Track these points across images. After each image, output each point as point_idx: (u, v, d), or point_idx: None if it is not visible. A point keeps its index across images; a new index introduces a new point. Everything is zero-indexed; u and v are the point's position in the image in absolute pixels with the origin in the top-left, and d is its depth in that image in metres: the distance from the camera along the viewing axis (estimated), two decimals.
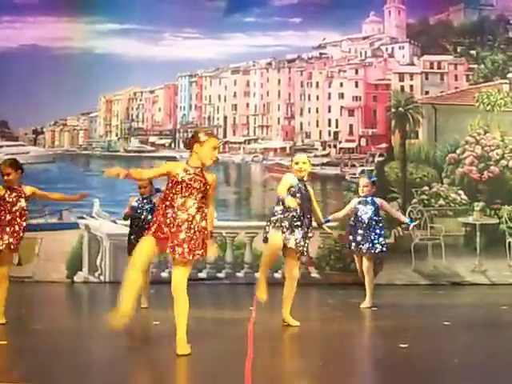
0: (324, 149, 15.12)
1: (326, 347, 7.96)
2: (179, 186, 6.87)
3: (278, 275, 13.68)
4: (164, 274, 13.77)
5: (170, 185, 6.93)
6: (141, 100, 16.04)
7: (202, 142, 6.89)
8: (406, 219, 10.76)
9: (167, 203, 6.89)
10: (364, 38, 15.38)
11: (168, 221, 6.84)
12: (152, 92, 15.99)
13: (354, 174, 14.41)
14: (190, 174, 6.87)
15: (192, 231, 6.84)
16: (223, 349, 7.37)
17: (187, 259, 6.85)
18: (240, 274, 14.16)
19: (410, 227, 10.65)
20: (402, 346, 7.37)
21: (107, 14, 14.87)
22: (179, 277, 6.93)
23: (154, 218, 6.99)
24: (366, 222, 10.25)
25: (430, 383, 5.98)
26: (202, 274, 14.08)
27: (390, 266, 13.56)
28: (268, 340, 8.08)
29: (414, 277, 13.99)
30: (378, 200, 10.47)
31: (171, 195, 6.90)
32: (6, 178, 8.81)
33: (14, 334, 8.27)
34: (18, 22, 15.13)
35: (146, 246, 6.96)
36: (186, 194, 6.85)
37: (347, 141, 15.06)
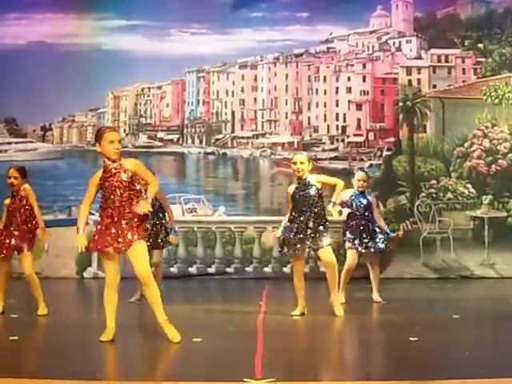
0: (332, 143, 15.12)
1: (336, 340, 7.99)
2: (103, 191, 7.19)
3: (286, 270, 13.76)
4: (173, 269, 13.83)
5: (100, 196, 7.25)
6: (148, 96, 16.05)
7: (99, 140, 7.18)
8: (386, 229, 10.51)
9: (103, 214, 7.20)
10: (371, 32, 15.36)
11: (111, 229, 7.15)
12: (160, 88, 16.01)
13: (362, 168, 14.40)
14: (107, 174, 7.16)
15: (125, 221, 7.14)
16: (233, 342, 7.39)
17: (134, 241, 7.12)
18: (249, 269, 14.17)
19: (390, 236, 10.50)
20: (411, 339, 7.38)
21: (114, 11, 14.88)
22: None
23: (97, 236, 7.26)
24: (363, 215, 10.21)
25: (440, 376, 5.98)
26: (211, 269, 14.11)
27: (398, 260, 13.57)
28: (278, 333, 8.10)
29: (422, 270, 13.99)
30: (370, 198, 10.45)
31: (102, 204, 7.23)
32: (11, 180, 9.00)
33: (24, 329, 8.32)
34: (26, 19, 15.16)
35: (111, 264, 7.22)
36: (110, 193, 7.16)
37: (355, 135, 15.05)
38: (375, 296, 10.31)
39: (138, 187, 7.27)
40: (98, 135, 7.20)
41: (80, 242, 7.29)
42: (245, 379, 5.59)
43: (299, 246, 8.89)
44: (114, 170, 7.17)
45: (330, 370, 6.43)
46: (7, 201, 9.20)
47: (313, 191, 8.85)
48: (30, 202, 9.11)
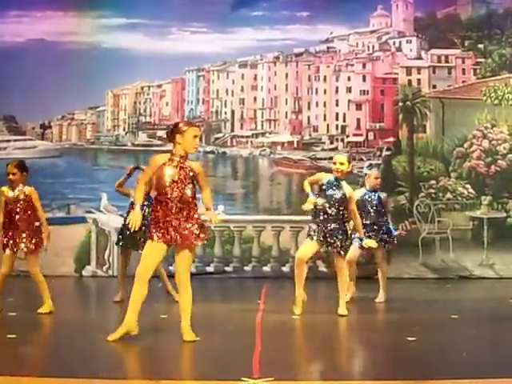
0: (331, 143, 15.11)
1: (335, 339, 7.99)
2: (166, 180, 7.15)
3: (285, 269, 13.77)
4: (171, 268, 13.78)
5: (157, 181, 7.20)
6: (148, 94, 16.03)
7: (183, 131, 7.16)
8: (390, 227, 10.55)
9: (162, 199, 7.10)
10: (371, 32, 15.35)
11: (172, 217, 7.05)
12: (159, 86, 15.99)
13: (362, 167, 14.39)
14: (174, 163, 7.14)
15: (189, 218, 7.14)
16: (231, 341, 7.40)
17: (194, 244, 7.15)
18: (248, 268, 14.17)
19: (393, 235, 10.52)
20: (409, 339, 7.38)
21: (114, 9, 14.87)
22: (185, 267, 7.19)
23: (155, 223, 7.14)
24: (373, 214, 10.24)
25: (438, 376, 5.99)
26: (210, 268, 14.11)
27: (397, 260, 13.56)
28: (276, 332, 8.10)
29: (421, 271, 14.00)
30: (382, 194, 10.47)
31: (164, 190, 7.13)
32: (10, 177, 9.00)
33: (22, 327, 8.31)
34: (26, 17, 15.15)
35: (154, 254, 7.13)
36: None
37: (355, 135, 15.05)
38: (380, 295, 10.30)
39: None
40: (182, 128, 7.22)
41: (136, 220, 7.11)
42: (243, 378, 5.59)
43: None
44: (180, 164, 7.20)
45: (327, 370, 6.43)
46: (4, 188, 9.12)
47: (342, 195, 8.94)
48: (34, 204, 9.11)
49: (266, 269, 14.08)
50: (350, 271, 10.20)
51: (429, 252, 14.08)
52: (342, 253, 9.03)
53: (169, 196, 7.14)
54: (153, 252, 7.22)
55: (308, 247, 9.07)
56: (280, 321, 8.71)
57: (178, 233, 7.12)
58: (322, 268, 13.90)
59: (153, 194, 9.62)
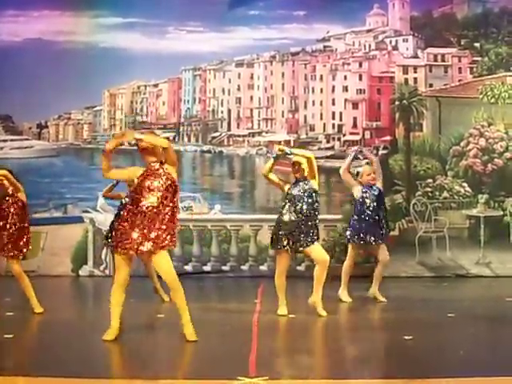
0: (328, 142, 15.11)
1: (331, 338, 8.00)
2: None
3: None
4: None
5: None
6: (145, 94, 16.03)
7: None
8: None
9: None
10: (368, 31, 15.35)
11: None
12: (156, 86, 15.99)
13: (359, 166, 14.39)
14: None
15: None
16: (228, 340, 7.41)
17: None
18: (244, 267, 14.17)
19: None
20: (406, 337, 7.40)
21: (111, 8, 14.85)
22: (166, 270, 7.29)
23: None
24: (372, 210, 10.24)
25: (435, 374, 6.00)
26: (207, 268, 14.11)
27: (394, 259, 13.49)
28: (272, 331, 8.11)
29: (418, 269, 14.00)
30: (380, 187, 10.47)
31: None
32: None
33: (20, 327, 8.32)
34: (23, 16, 15.13)
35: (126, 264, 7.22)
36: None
37: (351, 133, 15.05)
38: (371, 290, 10.31)
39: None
40: None
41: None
42: (238, 377, 5.60)
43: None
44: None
45: (323, 369, 6.44)
46: None
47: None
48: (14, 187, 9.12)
49: (263, 268, 14.07)
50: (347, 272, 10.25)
51: (425, 251, 14.08)
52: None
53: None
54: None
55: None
56: (276, 320, 8.71)
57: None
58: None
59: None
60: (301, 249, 8.95)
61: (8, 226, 9.07)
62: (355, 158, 10.66)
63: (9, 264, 9.15)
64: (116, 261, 7.32)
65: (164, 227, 7.18)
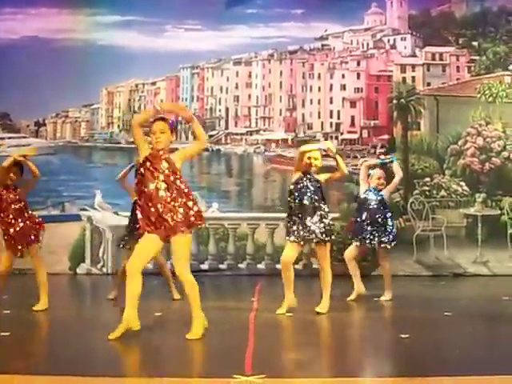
0: (326, 140, 15.11)
1: (328, 337, 8.00)
2: None
3: (279, 266, 13.74)
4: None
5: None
6: (142, 92, 16.03)
7: None
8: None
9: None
10: (366, 30, 15.35)
11: None
12: (154, 84, 15.98)
13: (356, 165, 14.39)
14: None
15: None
16: (225, 338, 7.41)
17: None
18: (242, 266, 14.17)
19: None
20: (402, 336, 7.40)
21: (109, 6, 14.85)
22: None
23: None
24: (373, 212, 10.23)
25: (431, 373, 6.00)
26: (204, 266, 14.11)
27: (391, 257, 13.48)
28: (269, 329, 8.12)
29: (415, 268, 14.00)
30: (385, 195, 10.45)
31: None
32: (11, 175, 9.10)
33: (17, 324, 8.32)
34: (20, 14, 15.12)
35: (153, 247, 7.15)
36: None
37: (349, 132, 15.05)
38: (385, 294, 10.30)
39: None
40: None
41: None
42: (234, 375, 5.60)
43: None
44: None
45: (320, 367, 6.44)
46: None
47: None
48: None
49: (261, 266, 14.08)
50: (352, 269, 10.25)
51: (423, 249, 14.09)
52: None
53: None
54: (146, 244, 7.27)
55: None
56: (273, 318, 8.72)
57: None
58: (317, 265, 13.88)
59: None
60: None
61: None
62: (383, 164, 10.59)
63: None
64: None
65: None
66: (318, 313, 8.85)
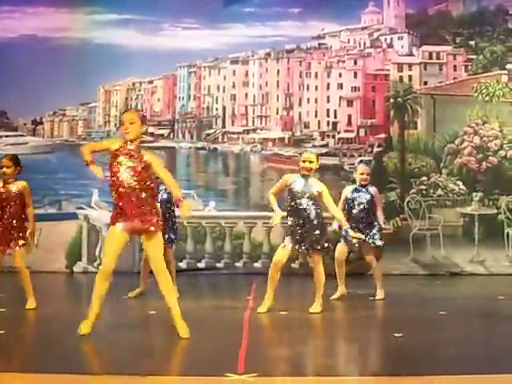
0: (323, 139, 15.13)
1: (321, 336, 8.00)
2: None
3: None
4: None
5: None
6: (140, 90, 16.04)
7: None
8: (381, 221, 10.49)
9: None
10: (363, 29, 15.37)
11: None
12: (151, 82, 15.99)
13: (353, 164, 14.40)
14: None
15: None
16: (219, 337, 7.41)
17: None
18: (239, 264, 14.18)
19: (383, 227, 10.44)
20: (396, 335, 7.40)
21: (106, 5, 14.86)
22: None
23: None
24: (364, 210, 10.22)
25: (425, 372, 6.01)
26: (201, 264, 14.12)
27: (388, 256, 13.54)
28: (264, 329, 8.12)
29: (412, 267, 14.01)
30: (373, 191, 10.40)
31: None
32: (4, 170, 9.04)
33: (12, 323, 8.32)
34: (18, 12, 15.13)
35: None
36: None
37: (346, 131, 15.07)
38: (378, 293, 10.28)
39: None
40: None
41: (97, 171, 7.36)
42: (227, 374, 5.61)
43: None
44: (130, 152, 7.23)
45: (313, 366, 6.44)
46: None
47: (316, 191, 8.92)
48: (26, 201, 9.14)
49: (257, 265, 14.08)
50: (339, 270, 10.22)
51: (420, 248, 14.10)
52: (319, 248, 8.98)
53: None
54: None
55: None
56: (268, 317, 8.72)
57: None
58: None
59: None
60: None
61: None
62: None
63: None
64: None
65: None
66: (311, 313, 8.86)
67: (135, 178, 7.16)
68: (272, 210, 9.00)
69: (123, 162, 7.17)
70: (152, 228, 7.15)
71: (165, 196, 10.13)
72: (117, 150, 7.22)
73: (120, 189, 7.19)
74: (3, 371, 5.84)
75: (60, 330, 7.87)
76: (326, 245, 8.93)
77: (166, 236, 9.93)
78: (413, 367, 6.21)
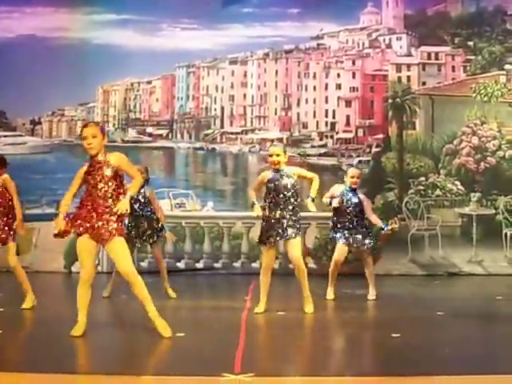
0: (321, 139, 15.13)
1: (319, 336, 8.00)
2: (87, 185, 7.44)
3: (274, 265, 13.74)
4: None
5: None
6: (138, 90, 16.05)
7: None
8: (380, 223, 10.48)
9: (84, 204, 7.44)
10: (362, 29, 15.37)
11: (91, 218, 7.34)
12: (149, 82, 16.00)
13: (351, 164, 14.41)
14: (91, 168, 7.38)
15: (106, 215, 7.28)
16: (216, 337, 7.42)
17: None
18: (237, 264, 14.18)
19: (385, 230, 10.41)
20: (393, 335, 7.41)
21: (105, 5, 14.87)
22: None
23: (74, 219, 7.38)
24: (355, 211, 10.22)
25: (422, 372, 6.01)
26: (199, 265, 14.13)
27: (386, 257, 13.58)
28: (261, 329, 8.13)
29: (410, 267, 14.01)
30: (362, 195, 10.39)
31: (84, 197, 7.48)
32: None
33: (10, 323, 8.32)
34: (17, 12, 15.14)
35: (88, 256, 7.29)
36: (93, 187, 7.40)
37: (344, 131, 15.08)
38: (370, 292, 10.27)
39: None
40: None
41: (58, 224, 7.26)
42: (224, 374, 5.61)
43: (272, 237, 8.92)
44: (97, 165, 7.21)
45: (310, 366, 6.44)
46: None
47: (290, 182, 8.94)
48: (10, 192, 9.11)
49: (255, 265, 14.04)
50: (333, 272, 10.22)
51: (418, 249, 14.10)
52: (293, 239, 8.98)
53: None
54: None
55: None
56: (265, 317, 8.72)
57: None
58: (312, 264, 13.90)
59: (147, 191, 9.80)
60: None
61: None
62: None
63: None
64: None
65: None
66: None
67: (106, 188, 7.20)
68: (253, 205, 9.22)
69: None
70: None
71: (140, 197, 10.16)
72: (85, 172, 7.27)
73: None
74: (0, 371, 5.85)
75: (58, 330, 7.86)
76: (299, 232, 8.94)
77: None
78: (411, 367, 6.21)
